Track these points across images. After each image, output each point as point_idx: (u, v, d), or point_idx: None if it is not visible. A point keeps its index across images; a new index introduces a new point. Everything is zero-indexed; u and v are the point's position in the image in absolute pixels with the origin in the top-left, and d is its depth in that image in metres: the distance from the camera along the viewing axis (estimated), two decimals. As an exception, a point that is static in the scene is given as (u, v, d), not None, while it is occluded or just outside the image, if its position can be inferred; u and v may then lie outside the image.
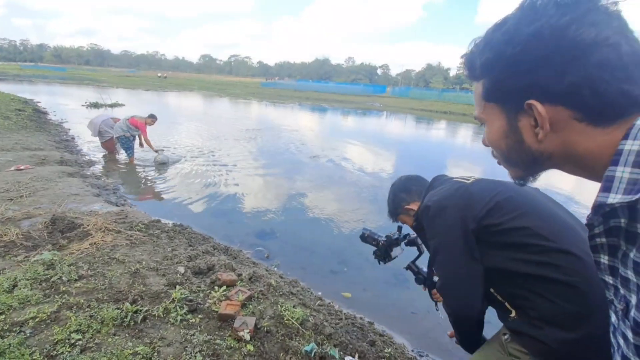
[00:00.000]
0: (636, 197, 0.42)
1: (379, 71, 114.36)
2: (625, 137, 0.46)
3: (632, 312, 0.44)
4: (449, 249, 1.08)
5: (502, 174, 0.77)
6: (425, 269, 1.56)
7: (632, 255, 0.44)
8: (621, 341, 0.47)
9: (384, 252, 1.56)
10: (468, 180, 1.16)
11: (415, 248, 1.58)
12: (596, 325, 0.88)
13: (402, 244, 1.58)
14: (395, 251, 1.57)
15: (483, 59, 0.56)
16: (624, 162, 0.45)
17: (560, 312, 0.92)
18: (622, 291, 0.47)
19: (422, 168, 8.47)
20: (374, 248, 1.61)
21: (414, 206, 1.39)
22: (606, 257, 0.50)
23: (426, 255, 1.53)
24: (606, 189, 0.46)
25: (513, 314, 1.02)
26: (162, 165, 6.70)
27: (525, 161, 0.58)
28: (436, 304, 1.55)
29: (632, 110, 0.47)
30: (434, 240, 1.14)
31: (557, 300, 0.92)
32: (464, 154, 11.27)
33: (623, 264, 0.46)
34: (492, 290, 1.08)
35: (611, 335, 0.50)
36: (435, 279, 1.57)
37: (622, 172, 0.45)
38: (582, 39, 0.46)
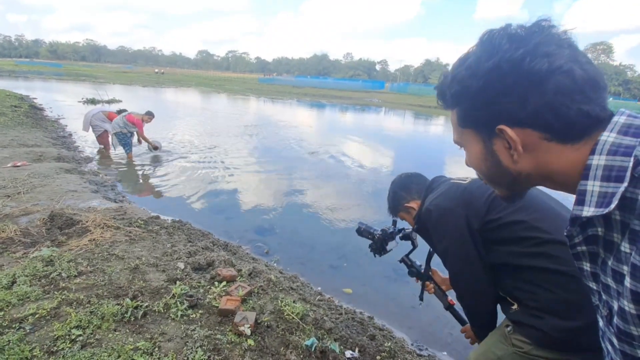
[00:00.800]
0: (607, 209, 0.46)
1: (378, 67, 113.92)
2: (592, 152, 0.49)
3: (615, 320, 0.45)
4: (459, 249, 1.13)
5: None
6: (418, 262, 1.63)
7: (610, 263, 0.46)
8: (609, 346, 0.48)
9: (379, 245, 1.61)
10: (465, 180, 1.22)
11: (409, 242, 1.62)
12: (594, 312, 0.90)
13: (397, 237, 1.62)
14: (391, 245, 1.61)
15: (452, 92, 0.60)
16: (593, 176, 0.48)
17: (559, 301, 0.96)
18: (604, 297, 0.49)
19: (421, 163, 8.47)
20: (370, 241, 1.65)
21: (414, 204, 1.43)
22: (588, 264, 0.53)
23: (420, 249, 1.60)
24: (580, 202, 0.49)
25: (515, 306, 1.07)
26: (155, 150, 6.69)
27: (507, 181, 0.62)
28: (421, 297, 1.62)
29: (595, 127, 0.51)
30: (442, 243, 1.19)
31: (556, 289, 0.96)
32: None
33: (603, 271, 0.48)
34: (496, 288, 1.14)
35: (601, 339, 0.52)
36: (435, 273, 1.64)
37: (593, 186, 0.48)
38: (537, 69, 0.51)
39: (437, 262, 1.52)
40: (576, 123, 0.51)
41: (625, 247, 0.45)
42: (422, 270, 1.60)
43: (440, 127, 17.06)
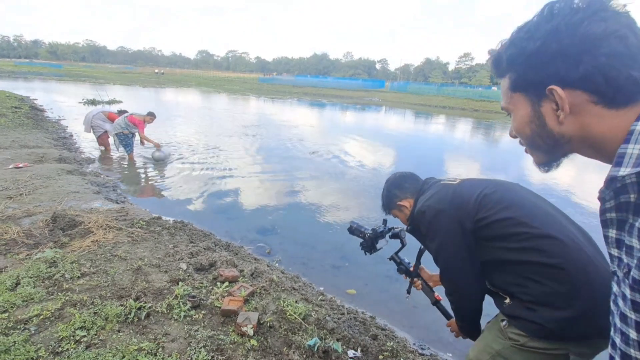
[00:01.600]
0: (626, 170, 0.49)
1: (378, 66, 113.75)
2: (638, 119, 0.52)
3: (632, 272, 0.48)
4: (450, 249, 1.19)
5: (499, 168, 0.78)
6: (407, 260, 1.69)
7: (637, 224, 0.48)
8: (620, 302, 0.50)
9: (369, 244, 1.67)
10: (455, 181, 1.28)
11: (399, 241, 1.67)
12: (586, 301, 0.97)
13: (387, 236, 1.67)
14: (381, 243, 1.67)
15: (508, 54, 0.64)
16: (635, 140, 0.50)
17: (550, 293, 1.00)
18: (625, 260, 0.51)
19: (422, 163, 8.48)
20: (361, 240, 1.71)
21: (406, 203, 1.48)
22: (614, 231, 0.54)
23: (408, 246, 1.66)
24: (617, 164, 0.51)
25: (507, 300, 1.12)
26: (159, 162, 6.68)
27: (548, 144, 0.64)
28: (409, 291, 1.70)
29: None
30: (434, 242, 1.25)
31: (547, 282, 1.01)
32: (463, 148, 11.28)
33: (629, 234, 0.50)
34: (486, 283, 1.21)
35: (611, 303, 0.54)
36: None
37: (633, 149, 0.50)
38: (593, 32, 0.53)
39: (424, 260, 1.59)
40: (624, 88, 0.53)
41: None
42: (411, 268, 1.66)
43: (440, 126, 17.05)
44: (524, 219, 1.07)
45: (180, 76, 60.29)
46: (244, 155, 7.98)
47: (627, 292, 0.49)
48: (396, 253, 1.68)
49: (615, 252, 0.54)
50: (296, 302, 2.36)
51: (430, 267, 1.61)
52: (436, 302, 1.61)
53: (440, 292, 1.54)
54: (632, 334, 0.48)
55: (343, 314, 2.50)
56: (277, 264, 3.37)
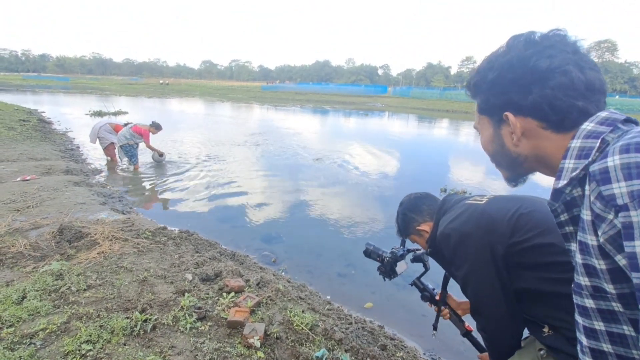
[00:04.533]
0: (563, 182, 0.58)
1: (380, 71, 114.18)
2: (573, 137, 0.60)
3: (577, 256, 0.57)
4: (480, 277, 1.05)
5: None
6: (431, 286, 1.54)
7: (584, 239, 0.55)
8: (579, 278, 0.58)
9: (389, 268, 1.51)
10: (482, 200, 1.12)
11: (421, 264, 1.53)
12: None
13: (407, 259, 1.53)
14: (400, 266, 1.51)
15: (474, 81, 0.74)
16: (570, 155, 0.59)
17: None
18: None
19: (427, 168, 8.43)
20: (379, 264, 1.56)
21: (426, 227, 1.35)
22: (575, 245, 0.60)
23: (432, 272, 1.51)
24: (558, 177, 0.60)
25: (546, 329, 0.99)
26: (160, 158, 6.73)
27: (508, 162, 0.73)
28: (435, 327, 1.52)
29: (585, 120, 0.60)
30: (461, 271, 1.11)
31: None
32: (468, 152, 11.21)
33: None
34: (523, 313, 1.06)
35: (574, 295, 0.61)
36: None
37: (568, 163, 0.59)
38: (540, 66, 0.61)
39: (450, 286, 1.44)
40: (569, 116, 0.61)
41: (583, 213, 0.54)
42: (436, 294, 1.51)
43: (444, 130, 17.00)
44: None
45: (185, 86, 61.04)
46: (248, 163, 8.00)
47: (590, 302, 0.56)
48: (419, 278, 1.53)
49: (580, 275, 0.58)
50: (303, 312, 2.33)
51: (457, 295, 1.45)
52: (467, 334, 1.46)
53: (470, 321, 1.41)
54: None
55: (351, 323, 2.46)
56: (283, 273, 3.34)
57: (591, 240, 0.52)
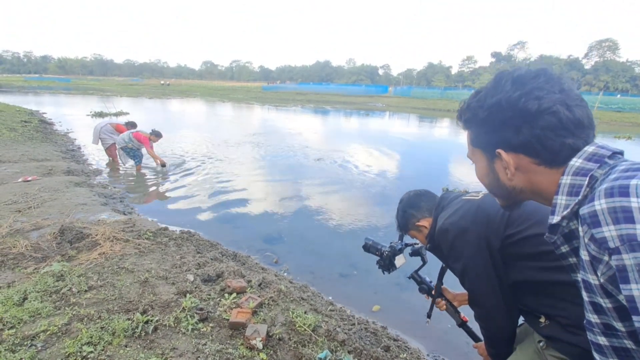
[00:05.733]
0: (557, 218, 0.62)
1: (380, 71, 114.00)
2: (563, 174, 0.63)
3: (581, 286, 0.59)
4: (477, 270, 1.10)
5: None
6: (428, 279, 1.60)
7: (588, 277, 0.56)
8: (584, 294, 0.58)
9: (387, 262, 1.56)
10: (477, 196, 1.20)
11: (419, 258, 1.58)
12: None
13: (406, 253, 1.58)
14: (399, 260, 1.56)
15: (465, 117, 0.76)
16: (561, 192, 0.62)
17: None
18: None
19: (428, 167, 8.41)
20: (377, 258, 1.61)
21: (425, 222, 1.40)
22: (580, 274, 0.60)
23: (430, 265, 1.57)
24: (552, 212, 0.63)
25: (543, 320, 1.03)
26: (163, 168, 6.75)
27: (504, 194, 0.75)
28: (429, 315, 1.59)
29: (575, 154, 0.63)
30: (459, 263, 1.15)
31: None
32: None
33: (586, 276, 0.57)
34: (518, 304, 1.11)
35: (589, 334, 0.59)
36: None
37: (561, 200, 0.62)
38: (529, 108, 0.63)
39: (446, 279, 1.50)
40: (561, 153, 0.63)
41: (582, 253, 0.55)
42: (433, 287, 1.55)
43: (445, 130, 16.96)
44: None
45: (186, 87, 61.11)
46: (249, 163, 7.99)
47: (603, 340, 0.56)
48: (416, 271, 1.58)
49: (585, 296, 0.59)
50: (305, 312, 2.31)
51: (454, 287, 1.52)
52: (462, 324, 1.51)
53: (465, 312, 1.46)
54: None
55: (353, 324, 2.44)
56: (284, 274, 3.33)
57: (593, 279, 0.53)
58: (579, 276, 0.59)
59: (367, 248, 1.62)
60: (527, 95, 0.63)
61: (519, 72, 0.67)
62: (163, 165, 6.72)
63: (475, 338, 1.46)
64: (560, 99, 0.63)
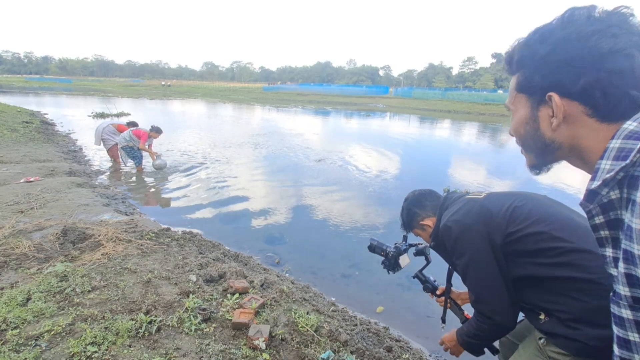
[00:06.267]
0: (597, 183, 0.54)
1: (381, 72, 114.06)
2: (613, 136, 0.56)
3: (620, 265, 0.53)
4: (479, 266, 1.12)
5: (507, 172, 0.76)
6: (432, 278, 1.62)
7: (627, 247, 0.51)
8: (620, 305, 0.54)
9: (393, 262, 1.59)
10: (480, 195, 1.23)
11: (423, 257, 1.60)
12: None
13: (410, 253, 1.61)
14: (403, 260, 1.59)
15: (519, 55, 0.66)
16: (607, 156, 0.55)
17: (591, 309, 0.95)
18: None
19: (429, 167, 8.41)
20: (382, 258, 1.64)
21: (429, 221, 1.43)
22: (610, 250, 0.57)
23: (434, 264, 1.59)
24: (593, 177, 0.57)
25: (542, 316, 1.05)
26: (159, 170, 6.74)
27: (539, 147, 0.68)
28: (443, 319, 1.58)
29: (635, 113, 0.55)
30: (462, 259, 1.18)
31: (586, 298, 0.95)
32: (470, 153, 11.18)
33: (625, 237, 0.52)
34: (519, 301, 1.13)
35: (614, 326, 0.57)
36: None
37: (605, 164, 0.55)
38: (601, 46, 0.55)
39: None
40: (620, 105, 0.56)
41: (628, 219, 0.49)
42: (437, 287, 1.58)
43: (446, 131, 16.97)
44: (558, 233, 1.02)
45: (187, 87, 61.20)
46: (250, 164, 8.00)
47: (623, 289, 0.52)
48: (420, 271, 1.61)
49: (613, 271, 0.56)
50: (307, 313, 2.32)
51: (458, 286, 1.53)
52: (466, 321, 1.53)
53: (468, 310, 1.47)
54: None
55: (356, 325, 2.44)
56: (286, 274, 3.33)
57: (638, 250, 0.49)
58: (608, 250, 0.57)
59: (373, 248, 1.65)
60: (602, 32, 0.55)
61: (595, 9, 0.58)
62: (159, 168, 6.71)
63: (492, 347, 1.46)
64: (637, 42, 0.55)
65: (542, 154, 0.69)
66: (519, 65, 0.67)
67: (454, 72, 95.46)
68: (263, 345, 1.91)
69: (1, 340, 1.79)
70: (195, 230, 3.94)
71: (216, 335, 2.00)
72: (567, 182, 6.93)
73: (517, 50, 0.66)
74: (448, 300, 1.54)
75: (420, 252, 1.58)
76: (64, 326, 1.92)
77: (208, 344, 1.90)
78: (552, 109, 0.61)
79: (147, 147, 6.69)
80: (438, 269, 1.57)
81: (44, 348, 1.77)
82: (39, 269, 2.58)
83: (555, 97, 0.60)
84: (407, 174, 7.74)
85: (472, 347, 1.28)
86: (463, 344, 1.29)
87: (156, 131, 6.84)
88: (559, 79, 0.59)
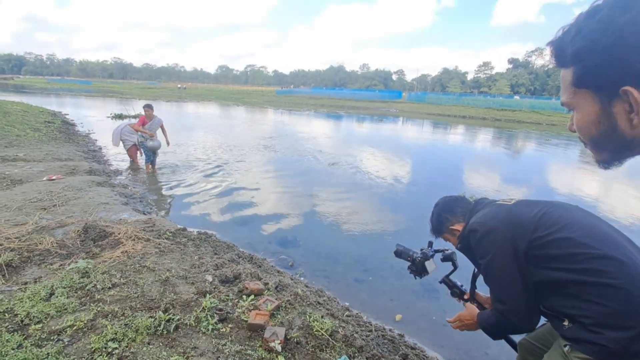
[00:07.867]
0: None
1: (394, 77, 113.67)
2: None
3: None
4: (499, 267, 1.15)
5: (524, 180, 0.74)
6: (459, 283, 1.62)
7: None
8: None
9: (420, 267, 1.61)
10: (510, 202, 1.25)
11: (450, 263, 1.61)
12: None
13: (438, 259, 1.62)
14: (430, 265, 1.60)
15: (575, 48, 0.57)
16: None
17: (613, 314, 0.96)
18: None
19: (443, 172, 8.31)
20: (408, 263, 1.65)
21: (458, 227, 1.45)
22: None
23: (460, 270, 1.60)
24: None
25: (566, 323, 1.06)
26: (151, 150, 6.86)
27: (617, 146, 0.60)
28: None
29: None
30: (484, 259, 1.20)
31: (608, 303, 0.97)
32: (485, 159, 11.00)
33: None
34: (541, 307, 1.15)
35: None
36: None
37: None
38: None
39: (479, 284, 1.49)
40: None
41: None
42: (465, 292, 1.58)
43: (460, 137, 16.76)
44: (584, 240, 1.02)
45: (202, 90, 62.24)
46: (263, 166, 8.06)
47: None
48: (447, 276, 1.61)
49: None
50: (322, 317, 2.31)
51: (484, 290, 1.53)
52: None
53: None
54: None
55: (370, 331, 2.42)
56: (300, 277, 3.33)
57: None
58: None
59: (399, 254, 1.66)
60: None
61: None
62: (151, 136, 6.76)
63: (513, 344, 1.48)
64: None
65: (620, 151, 0.61)
66: (575, 59, 0.58)
67: (469, 77, 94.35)
68: (279, 348, 1.91)
69: (24, 334, 1.84)
70: (210, 231, 3.98)
71: (232, 336, 2.01)
72: (586, 191, 6.74)
73: (571, 42, 0.58)
74: (474, 303, 1.54)
75: (447, 258, 1.58)
76: (85, 322, 1.96)
77: (225, 345, 1.91)
78: (628, 104, 0.54)
79: (141, 128, 6.82)
80: (463, 274, 1.56)
81: (66, 343, 1.81)
82: (61, 264, 2.65)
83: (633, 91, 0.52)
84: (421, 179, 7.67)
85: (491, 334, 1.32)
86: (483, 328, 1.33)
87: (148, 107, 7.00)
88: (630, 68, 0.51)
